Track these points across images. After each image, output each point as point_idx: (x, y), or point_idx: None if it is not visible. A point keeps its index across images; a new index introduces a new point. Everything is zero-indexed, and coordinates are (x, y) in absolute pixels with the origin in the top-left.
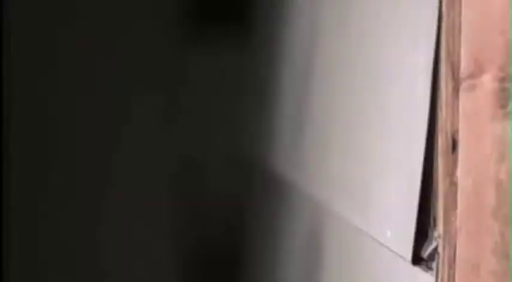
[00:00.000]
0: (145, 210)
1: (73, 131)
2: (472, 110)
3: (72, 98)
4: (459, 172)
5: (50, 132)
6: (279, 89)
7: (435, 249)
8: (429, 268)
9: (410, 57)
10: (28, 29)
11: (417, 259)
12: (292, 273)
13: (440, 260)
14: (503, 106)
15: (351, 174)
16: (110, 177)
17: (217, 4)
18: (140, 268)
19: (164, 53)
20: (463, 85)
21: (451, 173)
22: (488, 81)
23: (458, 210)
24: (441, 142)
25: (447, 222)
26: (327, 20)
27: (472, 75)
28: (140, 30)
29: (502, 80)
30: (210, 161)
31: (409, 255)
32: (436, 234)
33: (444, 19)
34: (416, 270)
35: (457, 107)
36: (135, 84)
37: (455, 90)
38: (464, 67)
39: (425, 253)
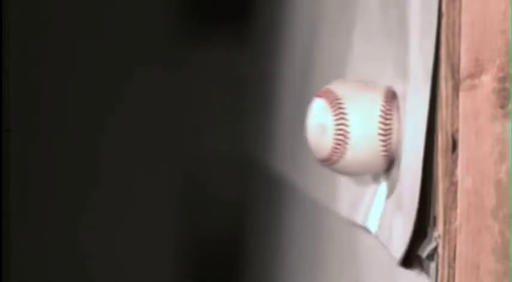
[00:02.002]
0: (144, 210)
1: (73, 131)
2: (472, 110)
3: (72, 98)
4: (459, 172)
5: (51, 132)
6: (279, 89)
7: (435, 249)
8: (426, 269)
9: (410, 56)
10: (28, 27)
11: (417, 259)
12: (291, 273)
13: (440, 260)
14: (503, 106)
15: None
16: (110, 177)
17: (217, 3)
18: (139, 268)
19: (163, 53)
20: (463, 85)
21: (451, 172)
22: (488, 81)
23: (458, 210)
24: (441, 142)
25: (447, 222)
26: (326, 18)
27: (472, 75)
28: (139, 29)
29: (502, 80)
30: (209, 161)
31: (399, 255)
32: (435, 234)
33: (444, 18)
34: (416, 270)
35: (457, 106)
36: (134, 84)
37: (455, 90)
38: (464, 67)
39: (425, 253)
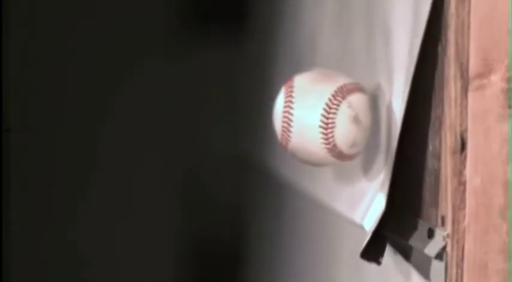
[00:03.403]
0: (145, 210)
1: (73, 131)
2: (480, 110)
3: (71, 98)
4: (467, 172)
5: (51, 132)
6: (278, 88)
7: (443, 248)
8: (425, 269)
9: (397, 53)
10: (28, 27)
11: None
12: (291, 272)
13: (449, 260)
14: (511, 106)
15: (350, 173)
16: (110, 177)
17: (217, 3)
18: (139, 268)
19: (163, 53)
20: (472, 85)
21: (460, 172)
22: (496, 81)
23: (467, 210)
24: (449, 142)
25: (455, 221)
26: (326, 19)
27: (480, 75)
28: (139, 29)
29: (510, 80)
30: (209, 161)
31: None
32: (444, 233)
33: (453, 19)
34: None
35: (466, 106)
36: (134, 84)
37: (464, 89)
38: (473, 67)
39: (433, 253)
